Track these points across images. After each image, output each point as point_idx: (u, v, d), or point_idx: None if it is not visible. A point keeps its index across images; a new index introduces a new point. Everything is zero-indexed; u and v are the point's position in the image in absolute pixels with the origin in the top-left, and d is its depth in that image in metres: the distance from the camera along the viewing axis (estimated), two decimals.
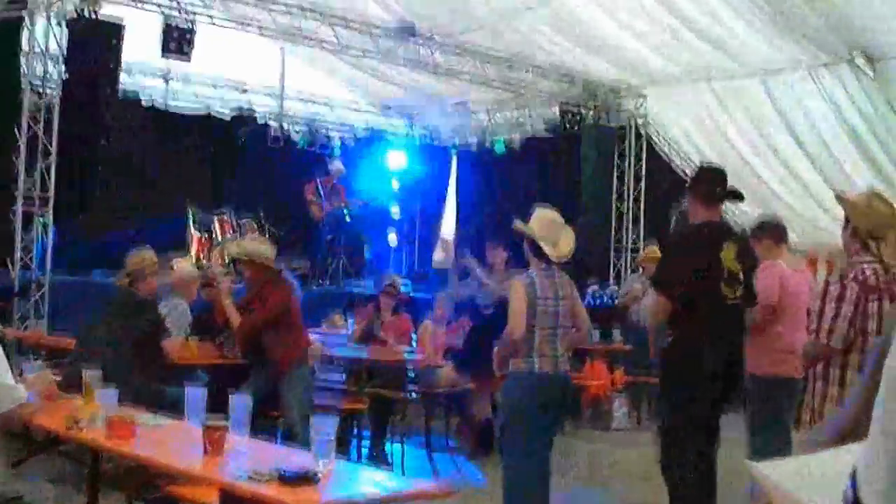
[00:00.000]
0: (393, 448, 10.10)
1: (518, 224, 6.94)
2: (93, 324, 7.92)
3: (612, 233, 18.42)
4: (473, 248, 14.07)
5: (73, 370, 7.68)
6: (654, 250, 13.63)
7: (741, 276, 6.49)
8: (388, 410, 10.45)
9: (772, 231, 7.68)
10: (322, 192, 16.58)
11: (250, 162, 18.11)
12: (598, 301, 15.93)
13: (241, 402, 4.61)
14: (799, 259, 7.81)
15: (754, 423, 7.45)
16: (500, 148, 19.53)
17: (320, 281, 16.28)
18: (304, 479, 3.68)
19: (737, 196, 6.93)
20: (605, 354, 12.88)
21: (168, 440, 4.49)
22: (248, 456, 4.18)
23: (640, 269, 13.88)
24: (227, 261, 9.00)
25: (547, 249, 6.70)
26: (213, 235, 16.65)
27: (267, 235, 17.06)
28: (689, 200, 6.77)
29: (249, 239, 8.48)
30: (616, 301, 14.57)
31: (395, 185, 20.37)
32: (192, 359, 8.41)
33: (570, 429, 12.20)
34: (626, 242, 18.43)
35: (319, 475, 3.72)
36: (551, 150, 19.23)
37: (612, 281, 18.16)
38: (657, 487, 6.76)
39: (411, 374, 10.70)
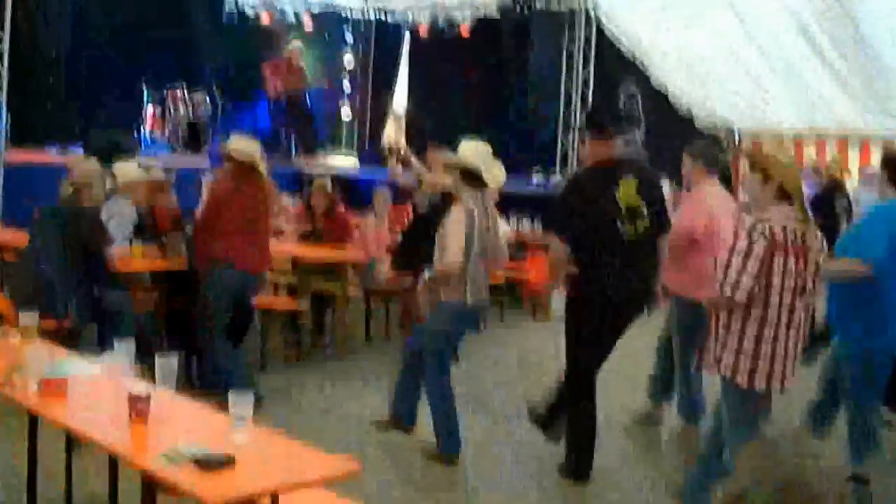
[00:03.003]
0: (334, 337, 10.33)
1: (450, 158, 7.02)
2: (39, 231, 7.94)
3: (561, 113, 18.53)
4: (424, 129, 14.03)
5: (19, 283, 7.79)
6: None
7: (644, 209, 6.56)
8: (327, 303, 10.63)
9: (707, 157, 7.71)
10: (280, 72, 16.43)
11: (203, 36, 17.85)
12: (541, 188, 16.04)
13: (167, 362, 4.70)
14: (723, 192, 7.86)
15: (683, 344, 7.64)
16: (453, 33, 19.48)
17: (271, 159, 16.23)
18: (220, 463, 3.80)
19: (632, 122, 7.07)
20: (545, 247, 12.96)
21: (99, 398, 4.57)
22: (171, 423, 4.29)
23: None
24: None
25: (486, 176, 6.79)
26: (166, 110, 16.58)
27: (219, 110, 17.07)
28: (588, 142, 6.82)
29: (237, 137, 8.34)
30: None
31: (349, 61, 20.21)
32: (136, 265, 8.44)
33: (511, 320, 12.48)
34: (574, 123, 18.51)
35: (234, 458, 3.85)
36: (502, 32, 19.15)
37: (558, 160, 18.34)
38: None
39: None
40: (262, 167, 7.85)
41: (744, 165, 15.26)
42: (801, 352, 5.58)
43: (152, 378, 4.77)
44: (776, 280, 5.36)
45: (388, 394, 7.44)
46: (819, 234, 5.53)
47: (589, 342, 6.76)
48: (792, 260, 5.36)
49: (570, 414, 6.91)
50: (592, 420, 6.85)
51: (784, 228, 5.36)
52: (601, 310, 6.62)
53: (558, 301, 12.58)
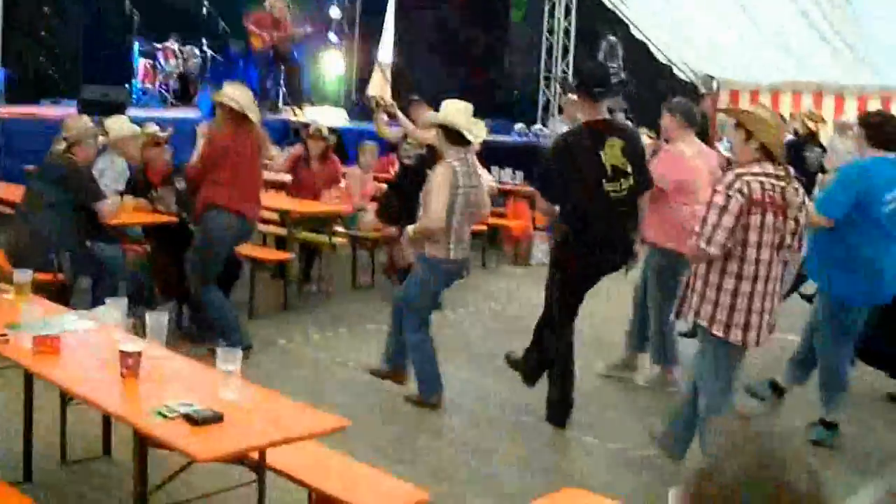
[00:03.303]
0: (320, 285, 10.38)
1: (434, 117, 7.06)
2: (33, 187, 7.92)
3: (542, 63, 18.52)
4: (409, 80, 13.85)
5: (14, 237, 7.78)
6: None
7: (629, 168, 6.64)
8: (315, 253, 10.68)
9: (685, 114, 7.74)
10: (265, 24, 16.26)
11: None
12: (522, 138, 16.02)
13: (157, 319, 4.73)
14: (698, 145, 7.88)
15: (658, 290, 7.71)
16: None
17: (260, 109, 16.12)
18: (210, 420, 3.84)
19: (623, 84, 7.15)
20: (527, 195, 13.03)
21: (91, 355, 4.59)
22: (161, 379, 4.32)
23: (565, 112, 13.95)
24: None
25: (469, 135, 6.83)
26: (158, 64, 16.49)
27: (209, 63, 16.96)
28: (576, 100, 6.93)
29: (229, 84, 8.28)
30: (540, 140, 14.72)
31: (335, 13, 20.04)
32: (127, 219, 8.41)
33: (492, 265, 12.53)
34: (555, 73, 18.51)
35: (223, 414, 3.88)
36: None
37: (539, 109, 18.34)
38: None
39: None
40: (254, 115, 7.78)
41: (719, 119, 15.36)
42: (778, 302, 5.63)
43: (144, 330, 4.80)
44: (753, 236, 5.39)
45: (384, 346, 7.43)
46: (801, 190, 5.55)
47: (570, 293, 6.86)
48: (770, 216, 5.38)
49: (552, 360, 6.98)
50: (571, 365, 6.95)
51: (762, 185, 5.37)
52: (585, 263, 6.74)
53: (538, 248, 12.69)
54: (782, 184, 5.41)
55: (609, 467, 6.38)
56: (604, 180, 6.54)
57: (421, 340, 7.13)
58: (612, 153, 6.57)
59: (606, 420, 7.23)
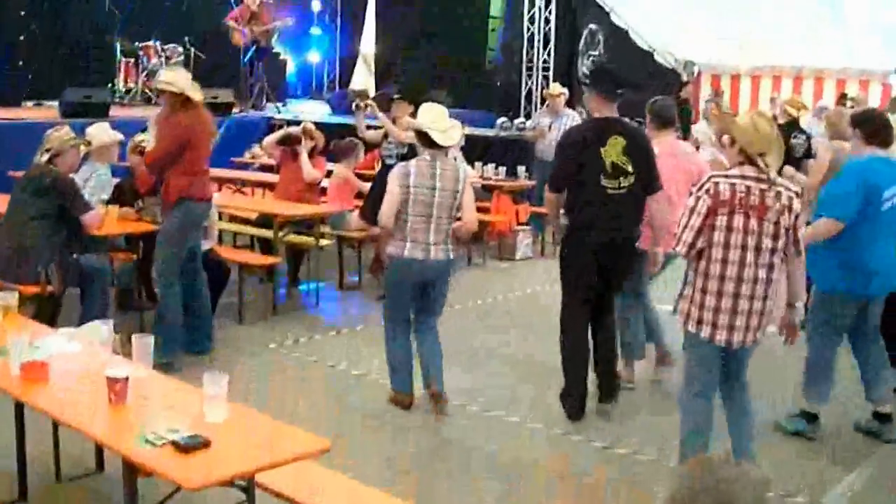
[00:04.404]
0: (308, 287, 10.38)
1: (409, 121, 7.12)
2: (17, 198, 7.89)
3: (524, 54, 18.53)
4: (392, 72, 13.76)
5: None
6: (556, 86, 14.04)
7: (629, 168, 6.78)
8: (302, 254, 10.69)
9: (655, 113, 7.86)
10: (242, 18, 16.24)
11: None
12: (505, 130, 16.00)
13: (143, 342, 4.75)
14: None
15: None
16: None
17: (242, 108, 16.11)
18: (196, 446, 3.87)
19: (636, 87, 7.28)
20: (510, 190, 13.08)
21: (79, 380, 4.59)
22: (149, 403, 4.34)
23: (547, 105, 14.00)
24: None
25: (436, 136, 6.86)
26: (140, 63, 16.46)
27: (192, 62, 16.93)
28: (589, 96, 7.17)
29: (167, 69, 8.22)
30: (523, 133, 14.75)
31: (316, 5, 20.05)
32: (112, 229, 8.40)
33: (478, 260, 12.56)
34: (538, 62, 18.50)
35: (210, 440, 3.91)
36: None
37: (522, 100, 18.35)
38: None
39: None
40: (195, 94, 7.69)
41: (702, 118, 15.40)
42: (764, 309, 5.56)
43: (131, 344, 4.79)
44: (717, 235, 5.45)
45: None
46: (786, 194, 5.53)
47: (574, 283, 7.03)
48: (739, 218, 5.42)
49: (561, 354, 7.15)
50: (580, 359, 7.08)
51: (733, 187, 5.43)
52: (582, 254, 6.90)
53: (522, 243, 12.73)
54: (762, 186, 5.45)
55: (592, 464, 6.43)
56: (602, 176, 6.73)
57: (390, 334, 7.21)
58: (613, 151, 6.74)
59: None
